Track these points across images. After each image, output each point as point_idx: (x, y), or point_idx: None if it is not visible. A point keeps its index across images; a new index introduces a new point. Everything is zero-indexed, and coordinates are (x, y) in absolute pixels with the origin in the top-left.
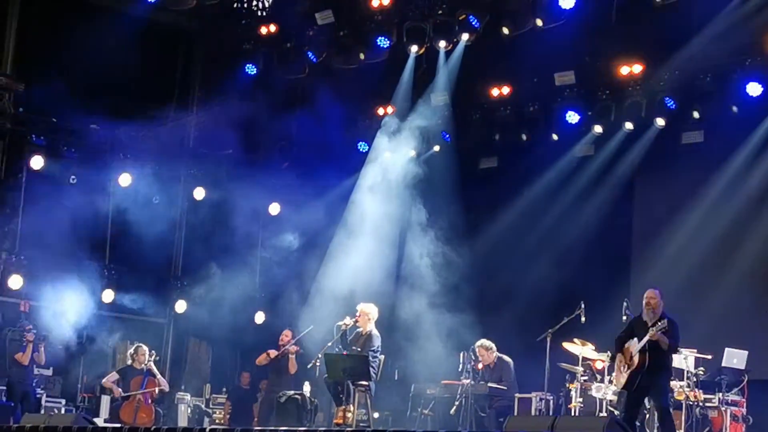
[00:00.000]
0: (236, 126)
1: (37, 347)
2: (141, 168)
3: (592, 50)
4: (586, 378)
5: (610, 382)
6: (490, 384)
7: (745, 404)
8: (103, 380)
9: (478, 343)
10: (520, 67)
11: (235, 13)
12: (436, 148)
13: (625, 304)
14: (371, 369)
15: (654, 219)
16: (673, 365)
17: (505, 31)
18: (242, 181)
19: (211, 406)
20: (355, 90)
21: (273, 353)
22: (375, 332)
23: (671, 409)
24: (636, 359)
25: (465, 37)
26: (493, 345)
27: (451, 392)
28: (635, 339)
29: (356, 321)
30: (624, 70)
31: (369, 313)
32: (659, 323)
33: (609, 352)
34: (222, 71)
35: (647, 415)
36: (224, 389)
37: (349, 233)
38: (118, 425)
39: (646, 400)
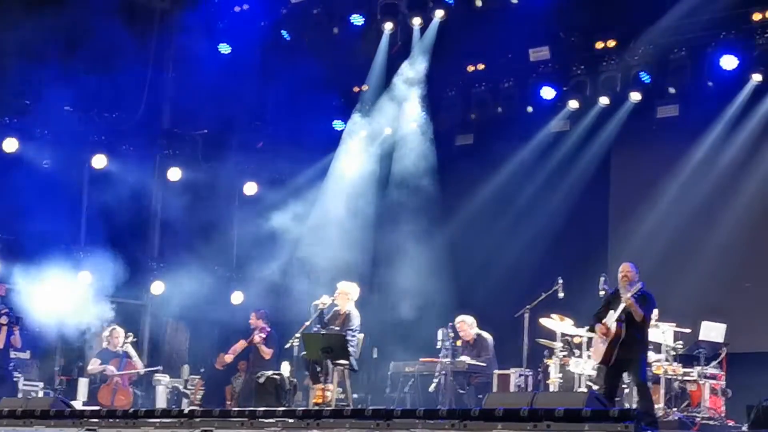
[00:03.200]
0: (211, 105)
1: (12, 330)
2: (116, 149)
3: (567, 25)
4: (564, 353)
5: (589, 357)
6: (468, 361)
7: (723, 377)
8: (89, 368)
9: (459, 318)
10: (495, 43)
11: None
12: (412, 125)
13: (602, 279)
14: (350, 348)
15: (630, 193)
16: (652, 339)
17: (478, 3)
18: (217, 161)
19: (189, 387)
20: (330, 68)
21: (234, 352)
22: (354, 311)
23: (649, 383)
24: (612, 329)
25: (439, 13)
26: (473, 320)
27: (429, 370)
28: (611, 311)
29: (334, 299)
30: (599, 45)
31: (349, 292)
32: (633, 289)
33: (587, 327)
34: (196, 50)
35: (626, 390)
36: (202, 370)
37: (326, 212)
38: (96, 408)
39: (624, 375)
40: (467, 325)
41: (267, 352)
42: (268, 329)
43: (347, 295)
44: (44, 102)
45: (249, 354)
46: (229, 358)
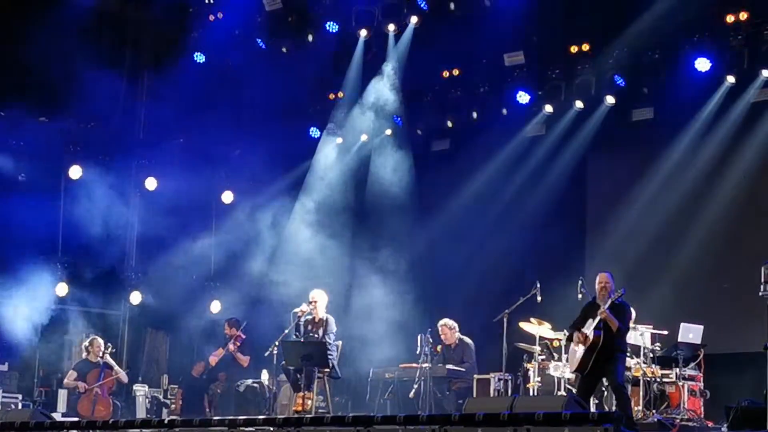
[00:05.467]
0: (186, 114)
1: None
2: (92, 160)
3: (541, 30)
4: (543, 357)
5: (567, 360)
6: (448, 366)
7: (702, 378)
8: (65, 381)
9: (442, 321)
10: (470, 48)
11: (183, 1)
12: (388, 131)
13: (580, 282)
14: (329, 354)
15: (607, 197)
16: (630, 341)
17: (453, 9)
18: (194, 170)
19: (168, 396)
20: (306, 76)
21: (213, 360)
22: (330, 317)
23: (628, 385)
24: (590, 338)
25: (414, 20)
26: (455, 324)
27: (409, 376)
28: (590, 320)
29: (312, 308)
30: (573, 49)
31: (321, 299)
32: (614, 296)
33: (566, 331)
34: (171, 60)
35: (605, 393)
36: (180, 379)
37: (303, 219)
38: (76, 419)
39: (601, 380)
40: (449, 328)
41: (243, 360)
42: (243, 336)
43: (319, 302)
44: (19, 113)
45: (227, 363)
46: (213, 360)
